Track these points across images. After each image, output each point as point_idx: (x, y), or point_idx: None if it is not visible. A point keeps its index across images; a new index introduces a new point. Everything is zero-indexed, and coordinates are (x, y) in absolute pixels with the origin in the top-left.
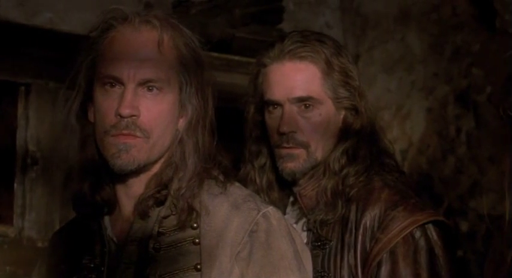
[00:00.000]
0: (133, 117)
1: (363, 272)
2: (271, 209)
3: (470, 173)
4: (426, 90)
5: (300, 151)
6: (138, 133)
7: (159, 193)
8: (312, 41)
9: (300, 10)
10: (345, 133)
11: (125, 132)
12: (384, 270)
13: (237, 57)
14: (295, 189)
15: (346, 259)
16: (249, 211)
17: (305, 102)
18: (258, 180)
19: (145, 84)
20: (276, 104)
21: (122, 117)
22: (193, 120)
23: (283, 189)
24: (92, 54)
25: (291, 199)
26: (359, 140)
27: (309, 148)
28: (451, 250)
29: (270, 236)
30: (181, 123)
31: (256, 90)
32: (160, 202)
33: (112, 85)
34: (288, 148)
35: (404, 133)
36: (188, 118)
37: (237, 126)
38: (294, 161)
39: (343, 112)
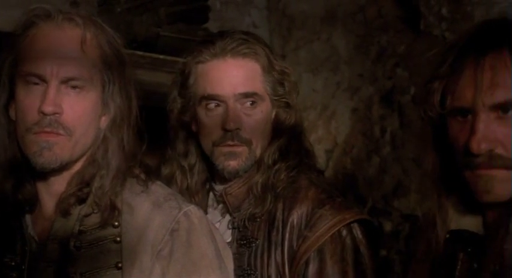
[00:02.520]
0: (56, 115)
1: (290, 270)
2: (192, 208)
3: (394, 173)
4: (351, 90)
5: (242, 149)
6: (60, 131)
7: (80, 191)
8: (251, 39)
9: (226, 9)
10: (278, 129)
11: (47, 129)
12: (312, 268)
13: (162, 56)
14: (221, 187)
15: (273, 257)
16: (170, 209)
17: (250, 98)
18: (188, 180)
19: (68, 82)
20: (219, 101)
21: (44, 114)
22: (117, 118)
23: (207, 187)
24: (13, 52)
25: (214, 197)
26: (291, 137)
27: (251, 145)
28: (375, 248)
29: (191, 235)
30: (104, 121)
31: (186, 88)
32: (82, 200)
33: (34, 83)
34: (231, 145)
35: (329, 133)
36: (111, 116)
37: (162, 125)
38: (237, 159)
39: (276, 109)
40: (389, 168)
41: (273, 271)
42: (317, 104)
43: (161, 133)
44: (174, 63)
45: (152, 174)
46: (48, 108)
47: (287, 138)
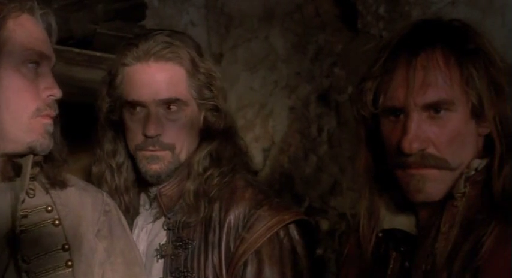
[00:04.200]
0: None
1: (227, 272)
2: (110, 200)
3: (331, 172)
4: (289, 89)
5: (165, 153)
6: None
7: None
8: (176, 41)
9: (164, 7)
10: (207, 133)
11: None
12: (250, 270)
13: (99, 53)
14: (156, 188)
15: (210, 258)
16: (95, 192)
17: (172, 104)
18: (115, 180)
19: None
20: (141, 106)
21: None
22: None
23: (139, 187)
24: None
25: (148, 197)
26: (222, 140)
27: (174, 150)
28: (312, 249)
29: (119, 214)
30: None
31: (113, 89)
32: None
33: None
34: (152, 150)
35: (266, 131)
36: None
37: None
38: (159, 163)
39: (204, 113)
40: (326, 166)
41: (210, 272)
42: (254, 103)
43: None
44: (110, 61)
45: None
46: None
47: (218, 142)
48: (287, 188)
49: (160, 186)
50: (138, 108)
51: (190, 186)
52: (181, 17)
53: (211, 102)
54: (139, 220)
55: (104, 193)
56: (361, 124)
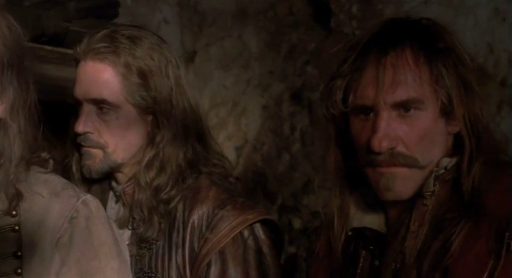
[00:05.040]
0: None
1: (191, 273)
2: (90, 197)
3: (304, 170)
4: (262, 87)
5: (96, 151)
6: None
7: None
8: (120, 40)
9: (137, 5)
10: (153, 138)
11: None
12: (214, 271)
13: (71, 51)
14: (120, 187)
15: (174, 258)
16: (68, 198)
17: (101, 104)
18: (75, 173)
19: None
20: (78, 102)
21: None
22: (15, 104)
23: (109, 184)
24: None
25: (114, 195)
26: (172, 145)
27: (105, 149)
28: (279, 248)
29: (90, 223)
30: (2, 107)
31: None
32: None
33: None
34: (85, 146)
35: (239, 130)
36: (10, 102)
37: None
38: (91, 159)
39: (149, 117)
40: (299, 165)
41: (174, 273)
42: (228, 101)
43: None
44: None
45: (48, 164)
46: None
47: (166, 146)
48: (260, 186)
49: (124, 185)
50: (79, 104)
51: (140, 198)
52: (155, 15)
53: (154, 105)
54: None
55: (83, 199)
56: (331, 123)
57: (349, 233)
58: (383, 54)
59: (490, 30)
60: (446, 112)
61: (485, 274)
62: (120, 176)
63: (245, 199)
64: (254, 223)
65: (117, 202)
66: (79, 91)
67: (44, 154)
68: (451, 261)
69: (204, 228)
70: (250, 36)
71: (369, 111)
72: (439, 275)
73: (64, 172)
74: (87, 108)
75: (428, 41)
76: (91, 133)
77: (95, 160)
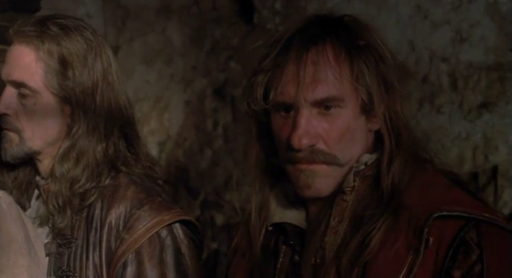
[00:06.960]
0: None
1: (107, 273)
2: (2, 194)
3: (226, 166)
4: (185, 82)
5: (13, 135)
6: None
7: None
8: (49, 27)
9: None
10: (72, 126)
11: None
12: (130, 271)
13: None
14: (41, 183)
15: (91, 258)
16: None
17: (20, 88)
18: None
19: None
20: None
21: None
22: None
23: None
24: None
25: (38, 189)
26: (89, 138)
27: (21, 133)
28: (199, 248)
29: (0, 219)
30: None
31: None
32: None
33: None
34: (4, 129)
35: (162, 125)
36: None
37: None
38: (8, 143)
39: (69, 107)
40: (221, 161)
41: (91, 273)
42: (150, 96)
43: None
44: (3, 52)
45: None
46: None
47: (84, 136)
48: (182, 182)
49: (44, 183)
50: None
51: (54, 189)
52: (78, 8)
53: (71, 97)
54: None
55: None
56: (253, 118)
57: (270, 228)
58: (304, 50)
59: (412, 28)
60: (366, 110)
61: (404, 270)
62: (41, 168)
63: (163, 199)
64: (173, 223)
65: (38, 198)
66: (3, 72)
67: None
68: (370, 257)
69: (121, 228)
70: (173, 31)
71: (290, 108)
72: (358, 271)
73: None
74: (9, 91)
75: (349, 38)
76: (9, 115)
77: (11, 143)
